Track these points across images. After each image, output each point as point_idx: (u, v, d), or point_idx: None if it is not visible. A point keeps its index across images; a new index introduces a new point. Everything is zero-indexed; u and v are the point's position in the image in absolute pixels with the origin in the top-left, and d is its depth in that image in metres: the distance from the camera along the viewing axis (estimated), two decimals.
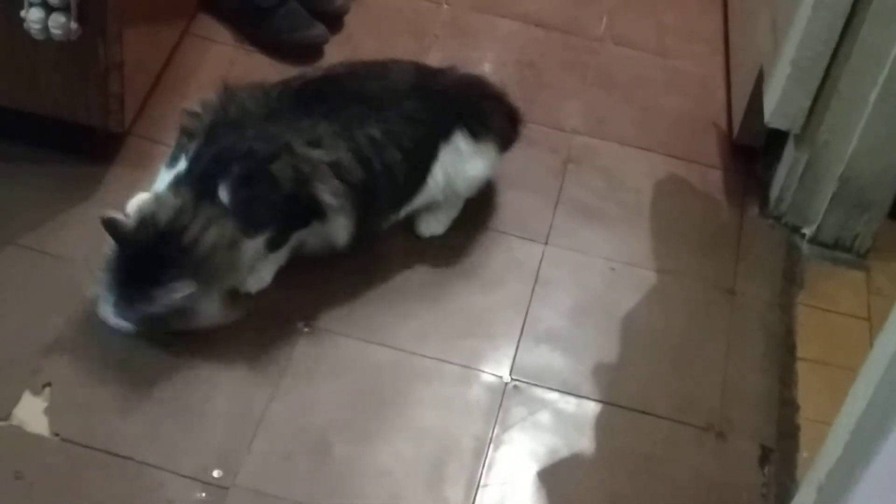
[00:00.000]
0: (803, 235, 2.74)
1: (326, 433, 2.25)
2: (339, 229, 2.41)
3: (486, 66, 3.08)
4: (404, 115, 2.46)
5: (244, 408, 2.27)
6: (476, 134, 2.55)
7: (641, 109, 3.05)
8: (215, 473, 2.16)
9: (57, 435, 2.18)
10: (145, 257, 2.24)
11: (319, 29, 3.01)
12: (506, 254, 2.64)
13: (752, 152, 2.92)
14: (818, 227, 2.70)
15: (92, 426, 2.20)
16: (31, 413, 2.20)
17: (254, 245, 2.33)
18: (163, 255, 2.24)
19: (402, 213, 2.56)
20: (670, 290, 2.63)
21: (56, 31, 2.34)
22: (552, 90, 3.07)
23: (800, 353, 2.48)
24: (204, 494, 2.13)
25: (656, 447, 2.33)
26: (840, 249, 2.71)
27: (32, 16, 2.33)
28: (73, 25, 2.34)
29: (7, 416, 2.19)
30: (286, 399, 2.29)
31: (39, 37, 2.36)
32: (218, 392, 2.29)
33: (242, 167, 2.27)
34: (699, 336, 2.54)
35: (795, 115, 2.63)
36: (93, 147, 2.60)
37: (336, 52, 3.00)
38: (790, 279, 2.66)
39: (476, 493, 2.21)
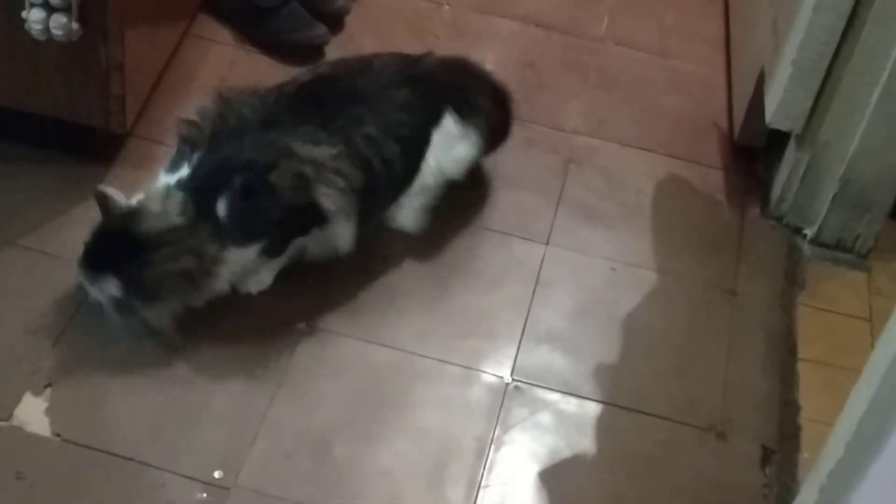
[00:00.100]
0: (804, 236, 2.73)
1: (327, 434, 2.25)
2: (341, 234, 2.41)
3: (487, 66, 3.07)
4: (397, 105, 2.47)
5: (245, 408, 2.27)
6: (463, 115, 2.55)
7: (642, 110, 3.05)
8: (216, 474, 2.16)
9: (58, 435, 2.17)
10: (112, 243, 2.26)
11: (320, 29, 3.01)
12: (507, 254, 2.64)
13: (753, 153, 2.92)
14: (819, 228, 2.70)
15: (93, 427, 2.20)
16: (32, 413, 2.20)
17: (245, 253, 2.33)
18: (122, 252, 2.24)
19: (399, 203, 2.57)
20: (671, 290, 2.63)
21: (57, 32, 2.34)
22: (553, 90, 3.07)
23: (801, 353, 2.48)
24: (205, 495, 2.13)
25: (657, 448, 2.33)
26: (841, 250, 2.71)
27: (34, 16, 2.33)
28: (75, 26, 2.34)
29: (8, 417, 2.19)
30: (287, 399, 2.29)
31: (41, 37, 2.36)
32: (219, 393, 2.29)
33: (242, 179, 2.26)
34: (700, 336, 2.54)
35: (797, 115, 2.63)
36: (93, 148, 2.60)
37: (337, 53, 2.97)
38: (791, 280, 2.66)
39: (477, 494, 2.21)
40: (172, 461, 2.17)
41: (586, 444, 2.32)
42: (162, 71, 2.81)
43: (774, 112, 2.65)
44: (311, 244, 2.44)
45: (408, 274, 2.56)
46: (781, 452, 2.33)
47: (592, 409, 2.38)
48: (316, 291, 2.47)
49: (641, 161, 2.91)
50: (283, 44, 2.99)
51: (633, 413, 2.38)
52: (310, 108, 2.39)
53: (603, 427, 2.35)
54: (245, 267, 2.37)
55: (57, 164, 2.60)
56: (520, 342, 2.47)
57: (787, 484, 2.26)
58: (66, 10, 2.33)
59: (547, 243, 2.67)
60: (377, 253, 2.57)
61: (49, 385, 2.24)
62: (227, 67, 2.94)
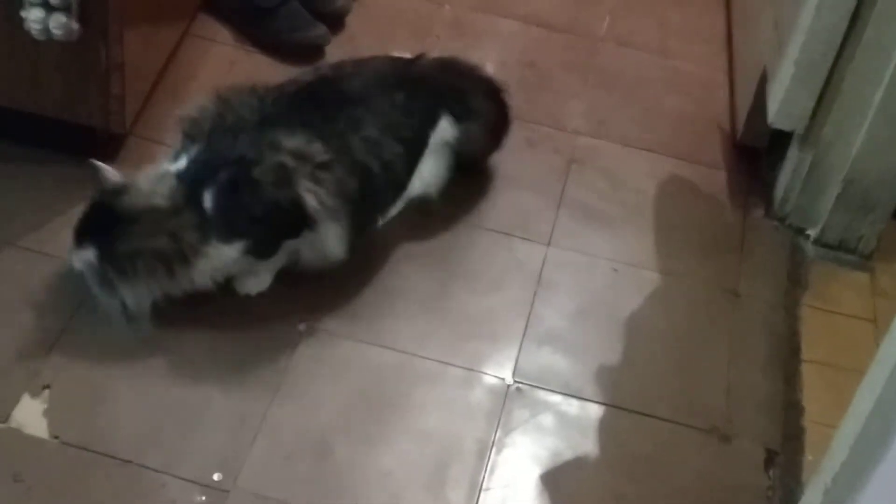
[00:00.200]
0: (807, 237, 2.73)
1: (327, 436, 2.25)
2: (330, 239, 2.39)
3: (488, 67, 3.06)
4: (397, 107, 2.47)
5: (245, 410, 2.26)
6: (459, 116, 2.57)
7: (644, 110, 3.05)
8: (216, 476, 2.15)
9: (56, 437, 2.17)
10: (96, 215, 2.29)
11: (321, 29, 3.01)
12: (508, 255, 2.63)
13: (755, 153, 2.92)
14: (822, 229, 2.69)
15: (91, 429, 2.19)
16: (31, 415, 2.19)
17: (229, 251, 2.32)
18: (103, 224, 2.28)
19: (399, 206, 2.56)
20: (673, 291, 2.62)
21: (57, 32, 2.34)
22: (554, 91, 3.06)
23: (804, 354, 2.47)
24: (204, 498, 2.12)
25: (659, 450, 2.33)
26: (844, 251, 2.70)
27: (33, 16, 2.33)
28: (74, 26, 2.34)
29: (6, 419, 2.18)
30: (287, 401, 2.29)
31: (40, 37, 2.36)
32: (218, 394, 2.28)
33: (228, 174, 2.27)
34: (702, 338, 2.53)
35: (799, 115, 2.63)
36: (93, 148, 2.58)
37: (337, 53, 2.99)
38: (794, 280, 2.65)
39: (478, 496, 2.20)
40: (171, 463, 2.16)
41: (588, 445, 2.32)
42: (162, 71, 2.81)
43: (777, 112, 2.64)
44: (304, 249, 2.42)
45: (408, 275, 2.55)
46: (785, 454, 2.33)
47: (594, 410, 2.37)
48: (316, 293, 2.46)
49: (643, 161, 2.90)
50: (283, 44, 2.98)
51: (635, 415, 2.37)
52: (308, 109, 2.39)
53: (605, 429, 2.34)
54: (229, 265, 2.36)
55: (56, 165, 2.59)
56: (521, 343, 2.46)
57: (790, 486, 2.25)
58: (65, 9, 2.32)
59: (548, 244, 2.67)
60: (378, 254, 2.56)
61: (47, 387, 2.24)
62: (226, 67, 2.94)
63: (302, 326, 2.41)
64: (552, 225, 2.71)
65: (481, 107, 2.65)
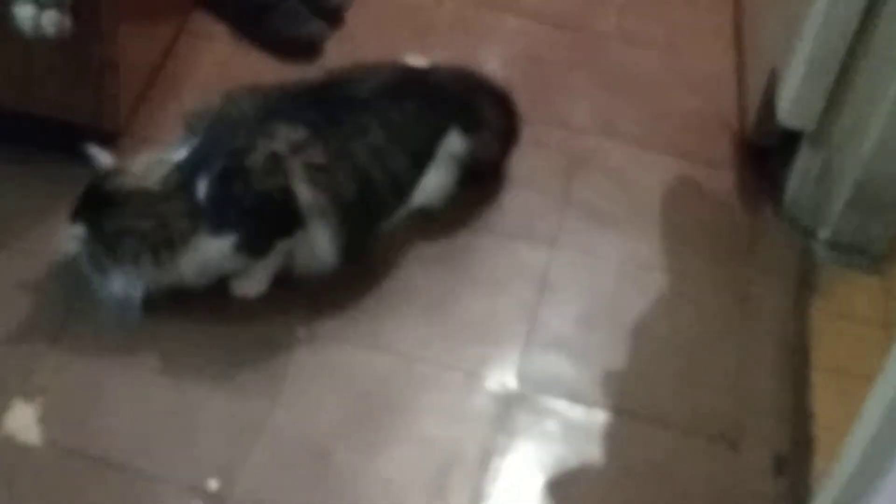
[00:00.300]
0: (818, 238, 2.70)
1: (327, 442, 2.24)
2: (322, 242, 2.37)
3: (491, 64, 3.06)
4: (408, 115, 2.48)
5: (243, 416, 2.26)
6: (468, 129, 2.56)
7: (651, 109, 3.03)
8: (213, 484, 2.15)
9: (50, 443, 2.17)
10: (89, 197, 2.32)
11: (319, 26, 2.99)
12: (512, 257, 2.62)
13: (765, 153, 2.89)
14: (833, 230, 2.67)
15: (86, 435, 2.19)
16: (24, 421, 2.19)
17: (219, 245, 2.30)
18: (93, 204, 2.31)
19: (400, 216, 2.55)
20: (681, 293, 2.61)
21: (49, 28, 2.32)
22: (559, 89, 3.04)
23: (814, 359, 2.45)
24: None
25: (667, 457, 2.32)
26: (856, 253, 2.67)
27: (24, 12, 2.31)
28: (67, 22, 2.33)
29: None
30: (285, 407, 2.28)
31: (32, 34, 2.33)
32: (216, 400, 2.27)
33: (222, 164, 2.29)
34: (711, 342, 2.52)
35: (810, 114, 2.61)
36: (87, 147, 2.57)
37: (336, 50, 2.98)
38: (804, 283, 2.63)
39: None
40: (168, 470, 2.16)
41: (594, 453, 2.31)
42: (157, 68, 2.80)
43: (787, 110, 2.62)
44: (297, 253, 2.40)
45: (410, 278, 2.54)
46: (795, 461, 2.31)
47: (600, 417, 2.36)
48: (315, 297, 2.45)
49: (650, 161, 2.89)
50: (281, 41, 2.96)
51: (642, 421, 2.36)
52: (314, 110, 2.39)
53: (611, 436, 2.33)
54: (220, 261, 2.34)
55: (50, 164, 2.58)
56: (525, 348, 2.45)
57: (800, 494, 2.23)
58: (57, 5, 2.31)
59: (553, 246, 2.65)
60: (378, 257, 2.55)
61: (40, 392, 2.23)
62: (223, 65, 2.93)
63: (301, 331, 2.40)
64: (557, 226, 2.69)
65: (492, 120, 2.66)
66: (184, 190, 2.29)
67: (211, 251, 2.31)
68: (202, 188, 2.28)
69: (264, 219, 2.32)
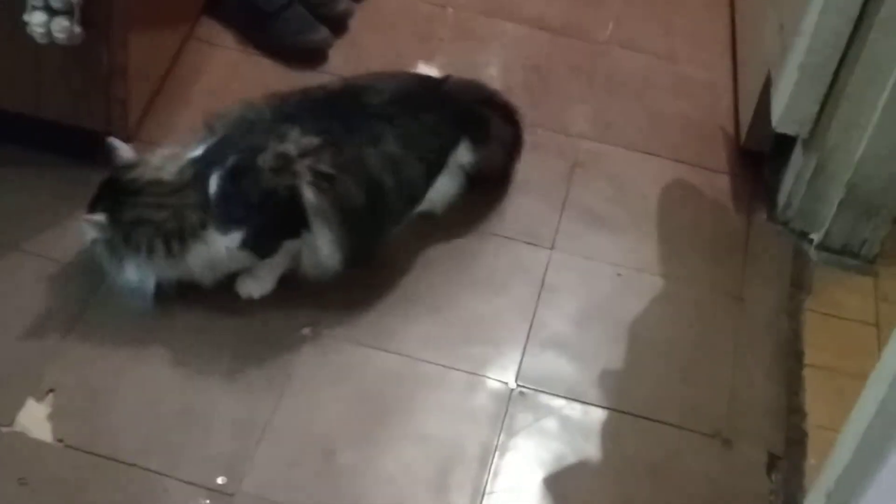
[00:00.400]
0: (811, 241, 2.73)
1: (331, 440, 2.25)
2: (326, 246, 2.38)
3: (492, 70, 3.08)
4: (425, 126, 2.49)
5: (249, 414, 2.26)
6: (477, 141, 2.59)
7: (648, 114, 3.04)
8: (220, 480, 2.15)
9: (61, 441, 2.17)
10: (108, 187, 2.35)
11: (324, 33, 3.01)
12: (512, 259, 2.63)
13: (759, 157, 2.92)
14: (826, 233, 2.69)
15: (96, 432, 2.20)
16: (35, 419, 2.19)
17: (226, 241, 2.32)
18: (112, 193, 2.34)
19: (404, 223, 2.57)
20: (677, 295, 2.62)
21: (60, 36, 2.34)
22: (558, 94, 3.06)
23: (807, 359, 2.47)
24: (208, 501, 2.13)
25: (663, 454, 2.33)
26: (848, 255, 2.70)
27: (35, 20, 2.33)
28: (77, 29, 2.34)
29: (10, 422, 2.18)
30: (291, 405, 2.29)
31: (43, 41, 2.35)
32: (223, 399, 2.28)
33: (234, 160, 2.31)
34: (706, 342, 2.53)
35: (803, 119, 2.63)
36: (96, 151, 2.58)
37: (341, 56, 3.00)
38: (798, 285, 2.65)
39: (482, 500, 2.20)
40: (175, 467, 2.16)
41: (591, 450, 2.32)
42: (165, 75, 2.81)
43: (781, 116, 2.64)
44: (303, 255, 2.41)
45: (412, 279, 2.55)
46: (788, 459, 2.32)
47: (598, 415, 2.37)
48: (320, 297, 2.46)
49: (647, 165, 2.90)
50: (286, 47, 2.98)
51: (639, 419, 2.37)
52: (329, 117, 2.41)
53: (608, 433, 2.34)
54: (227, 258, 2.36)
55: (60, 168, 2.60)
56: (525, 348, 2.46)
57: (793, 491, 2.25)
58: (68, 13, 2.32)
59: (552, 248, 2.67)
60: (381, 258, 2.56)
61: (51, 390, 2.24)
62: (230, 71, 2.94)
63: (306, 331, 2.41)
64: (556, 229, 2.70)
65: (499, 133, 2.69)
66: (196, 184, 2.31)
67: (219, 247, 2.33)
68: (214, 183, 2.30)
69: (271, 216, 2.34)
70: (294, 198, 2.32)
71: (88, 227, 2.33)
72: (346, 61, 2.97)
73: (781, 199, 2.77)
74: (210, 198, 2.30)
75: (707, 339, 2.54)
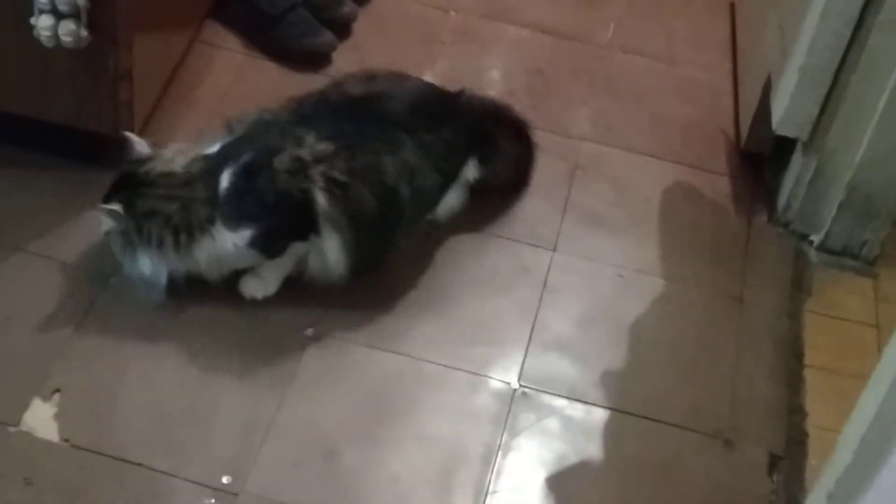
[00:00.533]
0: (811, 242, 2.73)
1: (335, 440, 2.26)
2: (334, 251, 2.39)
3: (494, 73, 3.09)
4: (444, 140, 2.50)
5: (253, 414, 2.27)
6: (483, 159, 2.61)
7: (649, 117, 3.05)
8: (224, 480, 2.16)
9: (66, 441, 2.18)
10: (123, 179, 2.37)
11: (327, 36, 3.01)
12: (514, 260, 2.64)
13: (759, 159, 2.92)
14: (826, 235, 2.70)
15: (101, 432, 2.20)
16: (41, 419, 2.20)
17: (235, 238, 2.33)
18: (126, 185, 2.35)
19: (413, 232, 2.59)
20: (678, 297, 2.63)
21: (66, 39, 2.35)
22: (560, 97, 3.07)
23: (808, 360, 2.48)
24: (213, 501, 2.13)
25: (664, 454, 2.33)
26: (848, 256, 2.71)
27: (42, 23, 2.33)
28: (84, 33, 2.35)
29: (17, 422, 2.19)
30: (295, 405, 2.29)
31: (49, 44, 2.36)
32: (227, 399, 2.29)
33: (248, 157, 2.32)
34: (707, 343, 2.54)
35: (803, 122, 2.63)
36: (102, 154, 2.59)
37: (344, 60, 3.01)
38: (798, 286, 2.66)
39: (485, 500, 2.21)
40: (181, 467, 2.17)
41: (593, 450, 2.33)
42: (170, 77, 2.81)
43: (781, 119, 2.65)
44: (311, 259, 2.42)
45: (415, 280, 2.56)
46: (789, 459, 2.33)
47: (600, 415, 2.38)
48: (323, 298, 2.46)
49: (648, 168, 2.91)
50: (290, 50, 2.99)
51: (641, 419, 2.38)
52: (347, 122, 2.41)
53: (610, 433, 2.35)
54: (234, 255, 2.36)
55: (66, 171, 2.60)
56: (527, 348, 2.47)
57: (794, 491, 2.26)
58: (74, 16, 2.33)
59: (554, 250, 2.67)
60: (386, 260, 2.56)
61: (57, 390, 2.25)
62: (234, 74, 2.95)
63: (309, 331, 2.42)
64: (558, 231, 2.71)
65: (509, 149, 2.71)
66: (208, 178, 2.32)
67: (226, 242, 2.33)
68: (226, 178, 2.31)
69: (283, 217, 2.34)
70: (307, 201, 2.33)
71: (104, 217, 2.34)
72: (349, 64, 2.96)
73: (782, 200, 2.78)
74: (220, 193, 2.31)
75: (708, 339, 2.55)
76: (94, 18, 2.35)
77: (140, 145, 2.39)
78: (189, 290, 2.40)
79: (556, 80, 3.12)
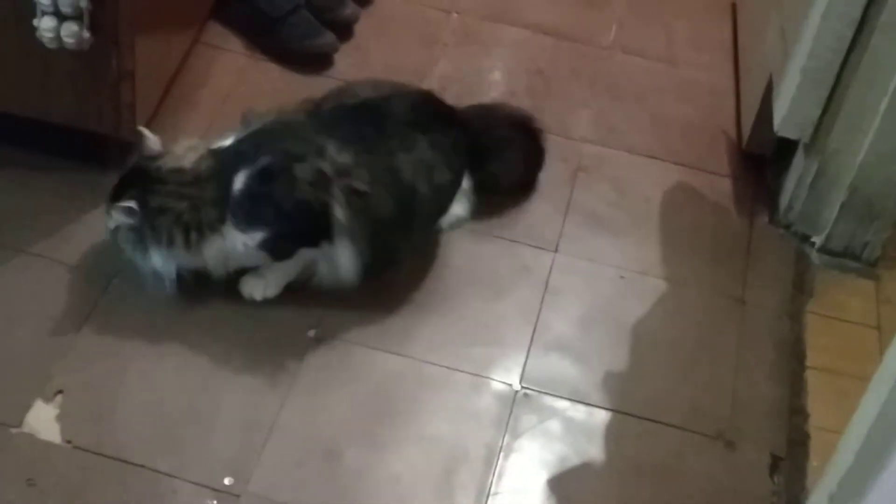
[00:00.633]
0: (813, 244, 2.74)
1: (337, 441, 2.26)
2: (346, 259, 2.39)
3: (496, 75, 3.09)
4: (453, 143, 2.50)
5: (255, 415, 2.27)
6: (475, 170, 2.61)
7: (651, 118, 3.05)
8: (226, 481, 2.16)
9: (69, 442, 2.18)
10: (133, 175, 2.36)
11: (329, 38, 3.02)
12: (515, 262, 2.64)
13: (761, 161, 2.93)
14: (827, 236, 2.70)
15: (104, 433, 2.21)
16: (43, 420, 2.20)
17: (243, 239, 2.33)
18: (137, 181, 2.34)
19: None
20: (680, 298, 2.63)
21: (68, 40, 2.35)
22: (561, 99, 3.07)
23: (809, 361, 2.48)
24: (215, 502, 2.14)
25: (666, 456, 2.34)
26: (849, 258, 2.71)
27: (45, 24, 2.34)
28: (86, 34, 2.35)
29: (19, 424, 2.19)
30: (297, 407, 2.30)
31: (52, 45, 2.36)
32: (229, 400, 2.29)
33: (266, 162, 2.31)
34: (709, 344, 2.54)
35: (805, 123, 2.64)
36: (104, 155, 2.60)
37: (346, 61, 3.01)
38: (799, 288, 2.66)
39: (486, 502, 2.21)
40: (183, 468, 2.17)
41: (595, 451, 2.33)
42: (172, 79, 2.81)
43: (783, 120, 2.65)
44: (321, 265, 2.42)
45: (417, 282, 2.56)
46: (790, 460, 2.33)
47: (601, 416, 2.38)
48: (325, 299, 2.46)
49: (650, 169, 2.91)
50: (292, 52, 3.00)
51: (642, 421, 2.38)
52: (363, 124, 2.41)
53: (612, 435, 2.36)
54: (242, 254, 2.37)
55: (68, 172, 2.61)
56: (529, 350, 2.47)
57: (795, 492, 2.26)
58: (77, 18, 2.33)
59: (556, 251, 2.68)
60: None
61: (60, 392, 2.25)
62: (236, 75, 2.96)
63: (311, 332, 2.42)
64: (559, 232, 2.72)
65: (516, 153, 2.73)
66: (219, 177, 2.32)
67: (235, 242, 2.33)
68: (240, 179, 2.30)
69: (296, 224, 2.34)
70: (326, 212, 2.33)
71: (117, 214, 2.32)
72: (351, 66, 2.98)
73: (783, 202, 2.78)
74: (232, 193, 2.30)
75: (709, 341, 2.55)
76: (97, 20, 2.36)
77: (152, 141, 2.38)
78: (191, 290, 2.40)
79: (556, 80, 3.12)
